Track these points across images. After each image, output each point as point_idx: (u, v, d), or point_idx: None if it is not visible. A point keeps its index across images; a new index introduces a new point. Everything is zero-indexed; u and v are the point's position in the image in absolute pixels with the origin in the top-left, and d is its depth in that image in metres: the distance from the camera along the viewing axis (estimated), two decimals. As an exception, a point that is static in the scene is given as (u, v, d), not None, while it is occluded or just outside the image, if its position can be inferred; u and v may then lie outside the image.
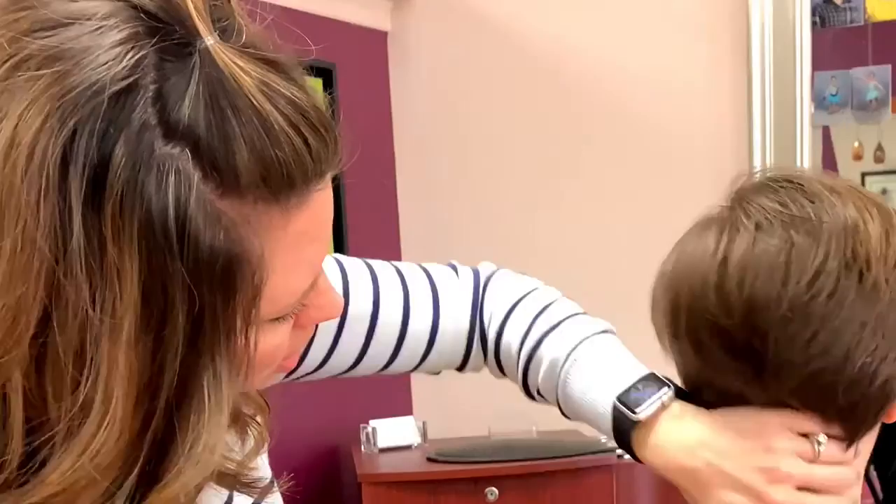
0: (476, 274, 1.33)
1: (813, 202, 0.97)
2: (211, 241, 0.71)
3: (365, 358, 1.23)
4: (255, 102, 0.72)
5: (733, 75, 2.94)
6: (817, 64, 2.89)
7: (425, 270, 1.30)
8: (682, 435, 1.07)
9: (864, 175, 2.95)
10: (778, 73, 2.87)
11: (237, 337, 0.74)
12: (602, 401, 1.13)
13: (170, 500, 0.74)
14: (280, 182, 0.74)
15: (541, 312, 1.26)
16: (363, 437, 2.97)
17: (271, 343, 0.80)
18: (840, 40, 2.93)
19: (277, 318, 0.80)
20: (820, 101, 2.92)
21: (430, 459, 2.87)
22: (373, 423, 2.97)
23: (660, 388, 1.10)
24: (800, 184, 0.99)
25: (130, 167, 0.69)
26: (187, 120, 0.70)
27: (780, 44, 2.86)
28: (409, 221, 3.18)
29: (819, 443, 1.00)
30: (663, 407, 1.08)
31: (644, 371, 1.12)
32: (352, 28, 3.04)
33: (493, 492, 2.73)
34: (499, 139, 3.15)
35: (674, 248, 1.03)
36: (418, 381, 3.22)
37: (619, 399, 1.10)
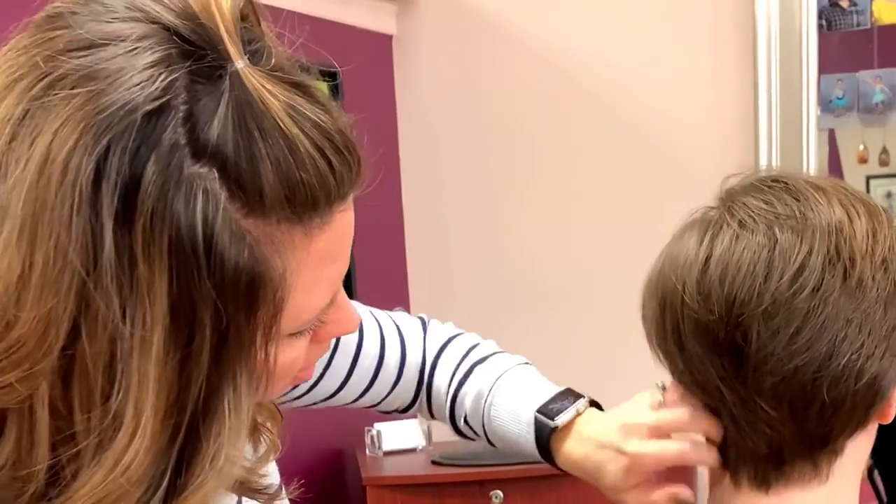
0: (421, 318, 1.41)
1: (798, 200, 0.98)
2: (236, 258, 0.73)
3: (347, 384, 1.29)
4: (281, 125, 0.74)
5: (740, 78, 2.94)
6: (823, 67, 2.89)
7: (380, 312, 1.38)
8: (591, 434, 1.19)
9: (868, 178, 2.94)
10: (784, 76, 2.87)
11: (257, 351, 0.76)
12: (524, 414, 1.23)
13: (204, 485, 0.76)
14: (304, 203, 0.76)
15: (467, 352, 1.36)
16: (368, 441, 2.98)
17: (289, 356, 0.82)
18: (846, 43, 2.92)
19: (296, 333, 0.82)
20: (826, 105, 2.91)
21: (434, 462, 2.88)
22: (377, 426, 2.97)
23: (576, 400, 1.23)
24: (785, 183, 1.00)
25: (160, 185, 0.70)
26: (216, 140, 0.72)
27: (786, 47, 2.86)
28: (414, 225, 3.18)
29: (661, 388, 1.07)
30: (578, 414, 1.21)
31: (562, 388, 1.25)
32: (357, 32, 3.04)
33: (497, 495, 2.73)
34: (504, 142, 3.15)
35: (660, 253, 1.04)
36: (424, 385, 3.22)
37: (539, 410, 1.22)
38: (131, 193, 0.70)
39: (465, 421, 1.31)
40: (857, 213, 0.98)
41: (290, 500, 1.02)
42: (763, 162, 2.89)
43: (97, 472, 0.72)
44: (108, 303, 0.71)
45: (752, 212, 0.97)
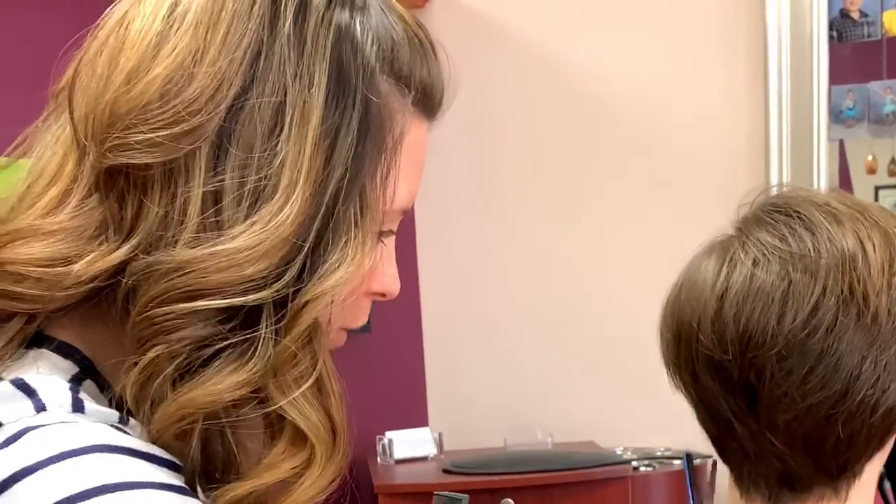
0: None
1: (813, 234, 0.97)
2: (377, 81, 0.85)
3: None
4: (419, 30, 0.90)
5: (750, 89, 2.94)
6: (834, 78, 2.88)
7: None
8: None
9: (877, 189, 2.94)
10: (795, 87, 2.87)
11: (382, 175, 0.85)
12: None
13: (321, 296, 0.82)
14: (419, 88, 0.89)
15: None
16: (379, 449, 2.98)
17: (369, 259, 0.87)
18: (857, 54, 2.92)
19: (379, 234, 0.89)
20: (836, 115, 2.91)
21: (445, 471, 2.88)
22: (389, 434, 2.98)
23: None
24: (799, 213, 0.99)
25: None
26: None
27: (797, 58, 2.86)
28: (424, 234, 3.18)
29: None
30: None
31: None
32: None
33: (508, 503, 2.73)
34: (515, 150, 3.15)
35: (679, 275, 1.04)
36: (434, 393, 3.22)
37: None
38: None
39: None
40: (874, 244, 0.97)
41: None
42: (773, 172, 2.89)
43: (256, 224, 0.80)
44: (279, 69, 0.81)
45: (766, 249, 0.97)
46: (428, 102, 0.91)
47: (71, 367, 0.85)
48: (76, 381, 0.84)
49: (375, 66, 0.85)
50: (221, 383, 0.81)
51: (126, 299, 0.82)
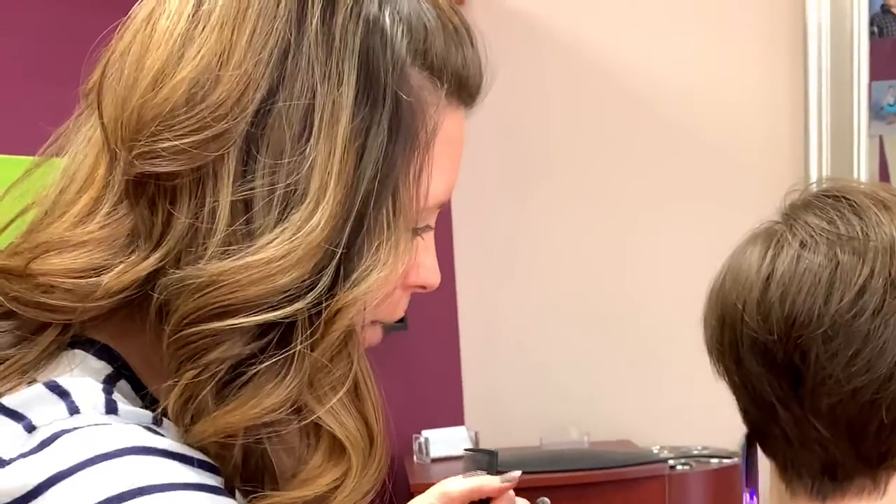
0: None
1: (861, 218, 0.97)
2: (407, 75, 0.82)
3: None
4: (456, 16, 0.87)
5: (790, 85, 2.92)
6: (875, 73, 2.86)
7: None
8: None
9: (918, 186, 2.91)
10: (835, 82, 2.85)
11: (415, 174, 0.84)
12: None
13: (353, 304, 0.81)
14: (454, 77, 0.86)
15: None
16: (416, 448, 2.98)
17: (402, 262, 0.85)
18: (898, 49, 2.90)
19: (414, 231, 0.87)
20: (877, 112, 2.88)
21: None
22: (425, 433, 2.98)
23: None
24: (848, 199, 0.99)
25: None
26: None
27: (837, 54, 2.84)
28: (462, 233, 3.17)
29: None
30: None
31: None
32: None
33: (544, 501, 2.72)
34: (554, 147, 3.14)
35: (723, 265, 1.03)
36: (470, 391, 3.22)
37: None
38: None
39: None
40: None
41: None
42: (813, 169, 2.87)
43: (286, 231, 0.78)
44: (307, 69, 0.79)
45: (814, 231, 0.97)
46: (463, 92, 0.88)
47: (105, 368, 0.84)
48: (109, 382, 0.83)
49: (406, 59, 0.83)
50: (260, 404, 0.80)
51: (159, 313, 0.81)
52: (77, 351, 0.84)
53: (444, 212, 3.11)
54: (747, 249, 1.01)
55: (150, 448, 0.77)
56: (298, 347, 0.79)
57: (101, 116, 0.83)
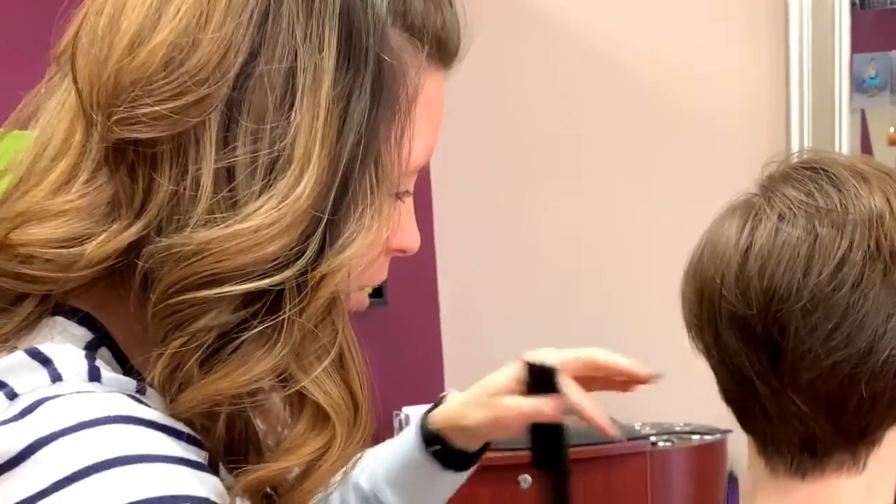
0: None
1: (840, 190, 0.96)
2: (388, 36, 0.82)
3: None
4: None
5: (771, 57, 2.91)
6: (856, 46, 2.85)
7: None
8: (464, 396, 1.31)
9: (899, 160, 2.91)
10: (816, 55, 2.83)
11: (397, 136, 0.83)
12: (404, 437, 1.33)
13: (339, 269, 0.80)
14: (434, 37, 0.86)
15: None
16: (396, 425, 2.97)
17: (386, 226, 0.85)
18: (880, 22, 2.89)
19: (394, 196, 0.86)
20: (859, 84, 2.87)
21: (462, 446, 2.86)
22: (406, 409, 2.96)
23: None
24: (826, 171, 0.98)
25: None
26: None
27: (818, 25, 2.82)
28: (444, 208, 3.16)
29: None
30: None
31: None
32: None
33: (525, 479, 2.72)
34: (536, 121, 3.13)
35: (701, 238, 1.02)
36: (451, 367, 3.21)
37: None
38: None
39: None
40: None
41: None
42: (795, 142, 2.87)
43: (272, 199, 0.77)
44: (288, 32, 0.78)
45: (792, 203, 0.96)
46: (443, 53, 0.88)
47: (86, 335, 0.83)
48: (91, 349, 0.83)
49: (387, 19, 0.82)
50: (250, 372, 0.79)
51: (143, 283, 0.80)
52: (58, 318, 0.83)
53: (425, 184, 3.11)
54: (725, 222, 1.00)
55: (134, 417, 0.76)
56: (287, 314, 0.79)
57: (75, 81, 0.81)
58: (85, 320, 0.84)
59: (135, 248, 0.80)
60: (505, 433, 1.27)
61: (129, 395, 0.79)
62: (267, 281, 0.78)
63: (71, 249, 0.79)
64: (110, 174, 0.80)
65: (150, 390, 0.82)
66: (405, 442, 1.33)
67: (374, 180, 0.82)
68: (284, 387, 0.82)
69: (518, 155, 3.12)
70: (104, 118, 0.79)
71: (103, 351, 0.84)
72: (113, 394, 0.78)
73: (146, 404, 0.79)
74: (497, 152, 3.13)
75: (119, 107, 0.78)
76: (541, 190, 3.11)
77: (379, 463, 1.34)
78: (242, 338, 0.79)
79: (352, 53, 0.80)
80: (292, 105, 0.78)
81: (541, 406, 1.24)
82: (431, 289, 3.16)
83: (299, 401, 0.83)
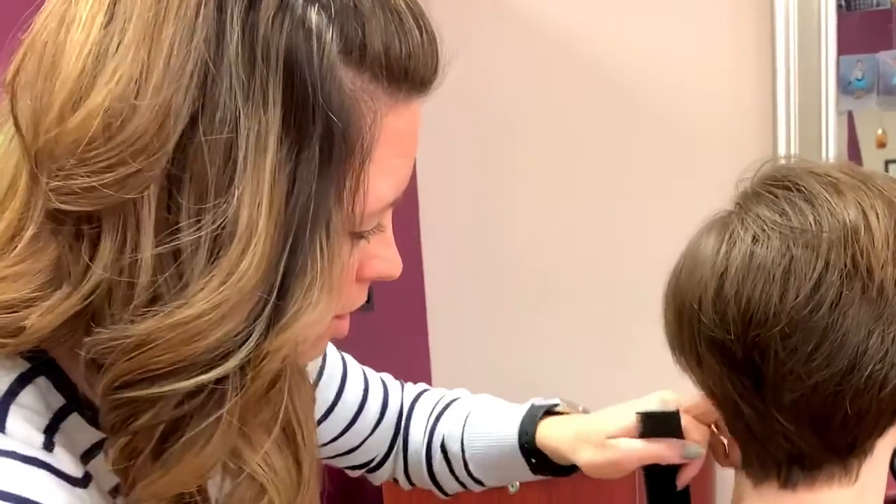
0: (399, 381, 1.47)
1: (814, 206, 0.95)
2: (339, 85, 0.76)
3: (324, 422, 1.32)
4: None
5: (757, 59, 2.90)
6: (842, 48, 2.83)
7: (366, 368, 1.43)
8: (582, 422, 1.27)
9: (887, 163, 2.91)
10: (802, 57, 2.82)
11: (350, 192, 0.78)
12: (507, 417, 1.31)
13: (280, 350, 0.76)
14: (398, 69, 0.80)
15: (440, 398, 1.43)
16: (383, 430, 2.96)
17: (348, 260, 0.82)
18: (866, 24, 2.88)
19: (357, 234, 0.83)
20: (845, 86, 2.86)
21: (450, 451, 2.85)
22: (393, 415, 2.96)
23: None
24: (799, 185, 0.97)
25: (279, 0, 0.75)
26: None
27: (804, 27, 2.81)
28: (428, 213, 3.15)
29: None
30: (568, 407, 1.31)
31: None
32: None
33: (514, 483, 2.71)
34: (520, 126, 3.11)
35: (680, 256, 1.02)
36: (439, 372, 3.20)
37: (528, 411, 1.31)
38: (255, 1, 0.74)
39: (443, 450, 1.34)
40: (877, 213, 0.95)
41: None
42: (781, 144, 2.85)
43: (214, 279, 0.73)
44: (231, 95, 0.73)
45: (766, 224, 0.95)
46: (412, 84, 0.83)
47: (22, 364, 0.80)
48: (22, 380, 0.80)
49: (338, 61, 0.76)
50: (202, 460, 0.76)
51: (88, 366, 0.77)
52: None
53: (411, 189, 3.08)
54: (701, 241, 0.99)
55: (9, 494, 0.73)
56: (226, 397, 0.75)
57: (16, 125, 0.77)
58: (32, 351, 0.81)
59: (80, 316, 0.77)
60: (614, 474, 1.23)
61: (27, 459, 0.75)
62: (212, 374, 0.74)
63: (15, 314, 0.76)
64: (54, 235, 0.77)
65: (58, 449, 0.79)
66: (505, 427, 1.31)
67: (325, 243, 0.77)
68: (232, 462, 0.80)
69: (504, 158, 3.10)
70: (45, 177, 0.75)
71: (41, 380, 0.81)
72: (8, 459, 0.75)
73: (48, 466, 0.76)
74: (483, 156, 3.11)
75: (55, 173, 0.74)
76: (527, 194, 3.10)
77: (472, 424, 1.34)
78: (189, 428, 0.76)
79: (298, 110, 0.75)
80: (234, 174, 0.73)
81: (661, 451, 1.19)
82: (418, 293, 3.14)
83: (237, 473, 0.81)
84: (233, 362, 0.74)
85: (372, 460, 1.38)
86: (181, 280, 0.74)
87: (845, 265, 0.91)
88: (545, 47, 3.06)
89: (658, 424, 1.21)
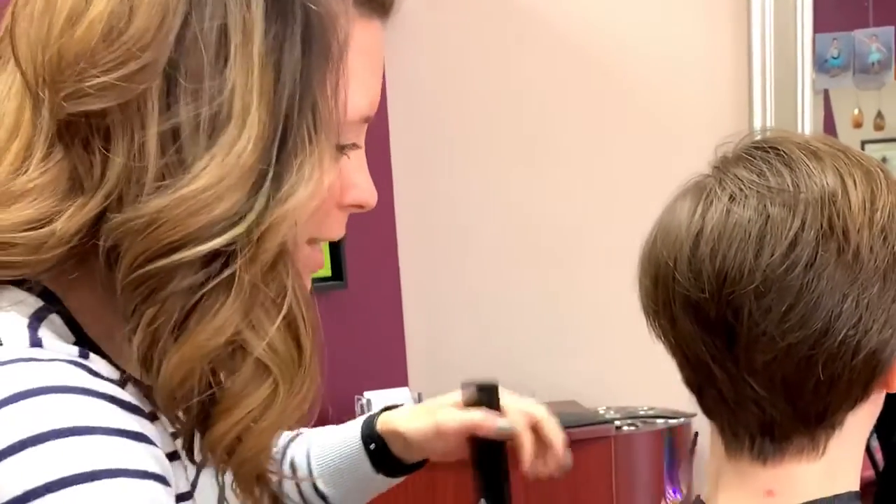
0: None
1: (792, 169, 0.94)
2: None
3: None
4: None
5: (733, 37, 2.90)
6: (818, 26, 2.84)
7: None
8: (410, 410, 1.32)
9: (863, 143, 2.93)
10: (778, 35, 2.82)
11: (331, 93, 0.84)
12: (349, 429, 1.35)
13: (282, 221, 0.82)
14: None
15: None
16: (357, 409, 2.95)
17: (328, 178, 0.86)
18: (842, 2, 2.88)
19: (339, 147, 0.89)
20: (821, 65, 2.87)
21: (425, 431, 2.85)
22: (367, 394, 2.95)
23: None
24: (778, 150, 0.96)
25: None
26: None
27: (780, 5, 2.81)
28: (404, 194, 3.14)
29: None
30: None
31: None
32: None
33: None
34: (493, 98, 3.11)
35: (655, 221, 1.01)
36: (413, 351, 3.20)
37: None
38: None
39: (291, 467, 1.37)
40: (854, 180, 0.94)
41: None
42: (757, 122, 2.86)
43: (216, 157, 0.79)
44: None
45: (743, 184, 0.94)
46: (374, 2, 0.90)
47: (36, 302, 0.84)
48: (38, 317, 0.83)
49: None
50: (207, 329, 0.81)
51: (108, 261, 0.82)
52: (11, 288, 0.84)
53: (386, 166, 3.08)
54: (677, 205, 0.99)
55: (71, 387, 0.77)
56: (237, 268, 0.80)
57: (18, 63, 0.83)
58: (42, 294, 0.85)
59: (98, 225, 0.81)
60: (443, 446, 1.28)
61: (71, 362, 0.80)
62: (220, 240, 0.80)
63: (40, 230, 0.81)
64: (65, 150, 0.82)
65: (93, 355, 0.83)
66: (348, 429, 1.35)
67: (313, 130, 0.83)
68: (232, 343, 0.83)
69: (480, 140, 3.10)
70: (52, 94, 0.80)
71: (54, 318, 0.85)
72: (53, 362, 0.79)
73: (89, 369, 0.81)
74: (459, 137, 3.11)
75: (65, 82, 0.79)
76: (503, 174, 3.10)
77: (317, 441, 1.36)
78: (202, 298, 0.81)
79: (278, 5, 0.81)
80: (227, 61, 0.80)
81: (476, 420, 1.25)
82: (393, 271, 3.13)
83: (242, 356, 0.84)
84: (238, 229, 0.80)
85: None
86: (186, 159, 0.80)
87: (822, 226, 0.91)
88: (523, 31, 3.07)
89: (478, 394, 1.27)
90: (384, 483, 1.35)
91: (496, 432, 1.25)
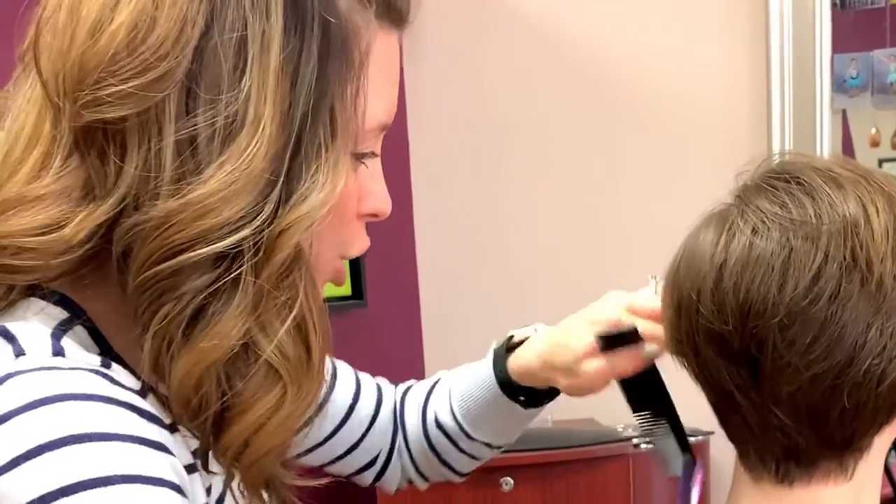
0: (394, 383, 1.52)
1: (814, 199, 0.94)
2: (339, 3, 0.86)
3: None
4: None
5: (752, 57, 2.90)
6: (837, 46, 2.84)
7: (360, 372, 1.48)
8: (549, 334, 1.39)
9: (881, 161, 2.92)
10: (797, 55, 2.82)
11: (351, 94, 0.86)
12: (482, 365, 1.42)
13: (295, 226, 0.83)
14: (383, 1, 0.90)
15: (424, 388, 1.50)
16: (377, 427, 2.95)
17: (347, 185, 0.88)
18: (860, 22, 2.88)
19: (356, 157, 0.90)
20: (840, 85, 2.87)
21: (443, 450, 2.85)
22: (386, 412, 2.95)
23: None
24: (799, 179, 0.97)
25: None
26: None
27: (799, 26, 2.81)
28: (423, 207, 3.14)
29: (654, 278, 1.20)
30: (535, 331, 1.42)
31: None
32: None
33: (507, 482, 2.70)
34: (515, 122, 3.10)
35: (678, 249, 1.02)
36: (433, 371, 3.18)
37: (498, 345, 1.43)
38: None
39: (438, 425, 1.41)
40: (877, 208, 0.94)
41: (295, 485, 1.06)
42: (776, 143, 2.85)
43: (226, 164, 0.81)
44: (237, 3, 0.82)
45: (766, 216, 0.95)
46: (393, 13, 0.92)
47: (61, 314, 0.86)
48: (62, 328, 0.85)
49: None
50: (213, 334, 0.82)
51: (120, 267, 0.83)
52: (35, 299, 0.86)
53: (405, 183, 3.08)
54: (700, 234, 0.99)
55: (92, 395, 0.78)
56: (244, 272, 0.82)
57: (40, 74, 0.85)
58: (61, 301, 0.87)
59: (111, 230, 0.83)
60: (594, 391, 1.32)
61: (93, 371, 0.81)
62: (226, 242, 0.81)
63: (51, 235, 0.82)
64: (81, 158, 0.84)
65: (115, 365, 0.85)
66: (482, 380, 1.41)
67: (329, 137, 0.85)
68: (245, 346, 0.84)
69: (498, 154, 3.09)
70: (71, 103, 0.82)
71: (78, 329, 0.86)
72: (75, 370, 0.80)
73: (110, 378, 0.81)
74: (477, 151, 3.10)
75: (85, 90, 0.81)
76: (521, 189, 3.09)
77: (456, 391, 1.42)
78: (212, 300, 0.82)
79: (298, 17, 0.83)
80: (244, 72, 0.82)
81: (624, 364, 1.28)
82: (412, 290, 3.13)
83: (253, 360, 0.85)
84: (244, 232, 0.81)
85: (375, 460, 1.40)
86: (201, 166, 0.81)
87: (845, 258, 0.91)
88: (540, 44, 3.06)
89: (616, 341, 1.29)
90: (532, 414, 1.42)
91: (646, 363, 1.27)
